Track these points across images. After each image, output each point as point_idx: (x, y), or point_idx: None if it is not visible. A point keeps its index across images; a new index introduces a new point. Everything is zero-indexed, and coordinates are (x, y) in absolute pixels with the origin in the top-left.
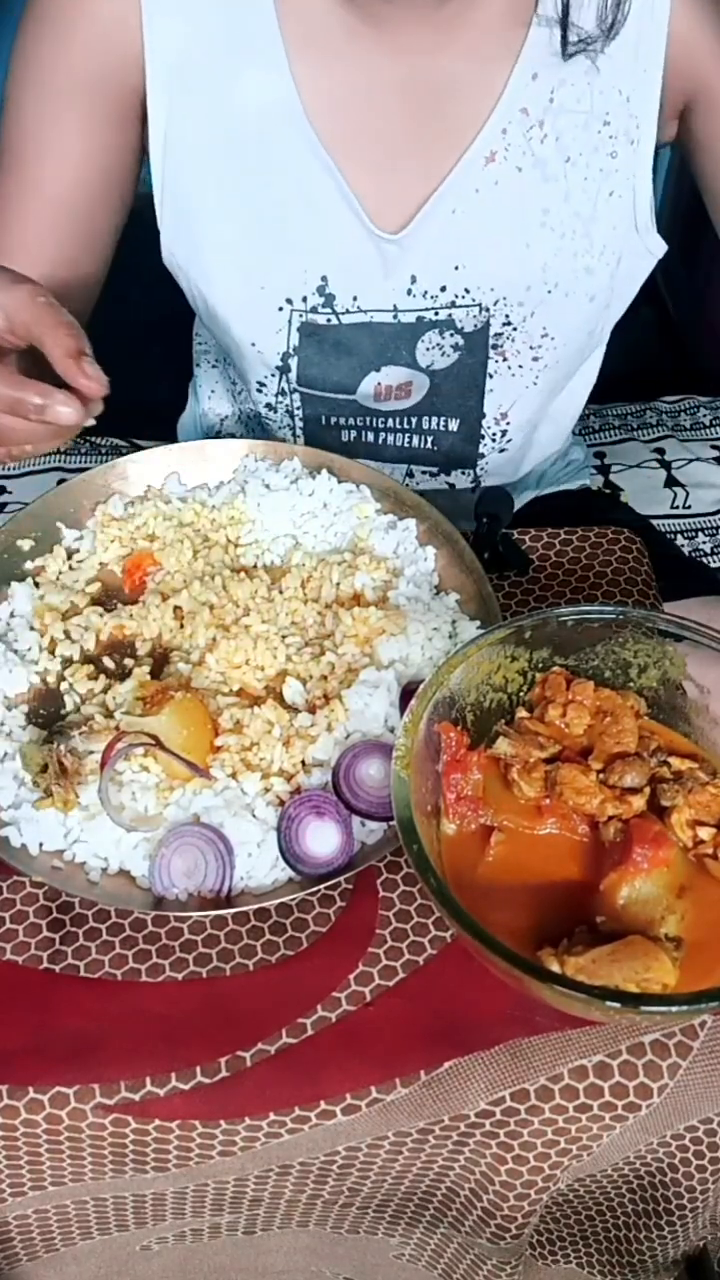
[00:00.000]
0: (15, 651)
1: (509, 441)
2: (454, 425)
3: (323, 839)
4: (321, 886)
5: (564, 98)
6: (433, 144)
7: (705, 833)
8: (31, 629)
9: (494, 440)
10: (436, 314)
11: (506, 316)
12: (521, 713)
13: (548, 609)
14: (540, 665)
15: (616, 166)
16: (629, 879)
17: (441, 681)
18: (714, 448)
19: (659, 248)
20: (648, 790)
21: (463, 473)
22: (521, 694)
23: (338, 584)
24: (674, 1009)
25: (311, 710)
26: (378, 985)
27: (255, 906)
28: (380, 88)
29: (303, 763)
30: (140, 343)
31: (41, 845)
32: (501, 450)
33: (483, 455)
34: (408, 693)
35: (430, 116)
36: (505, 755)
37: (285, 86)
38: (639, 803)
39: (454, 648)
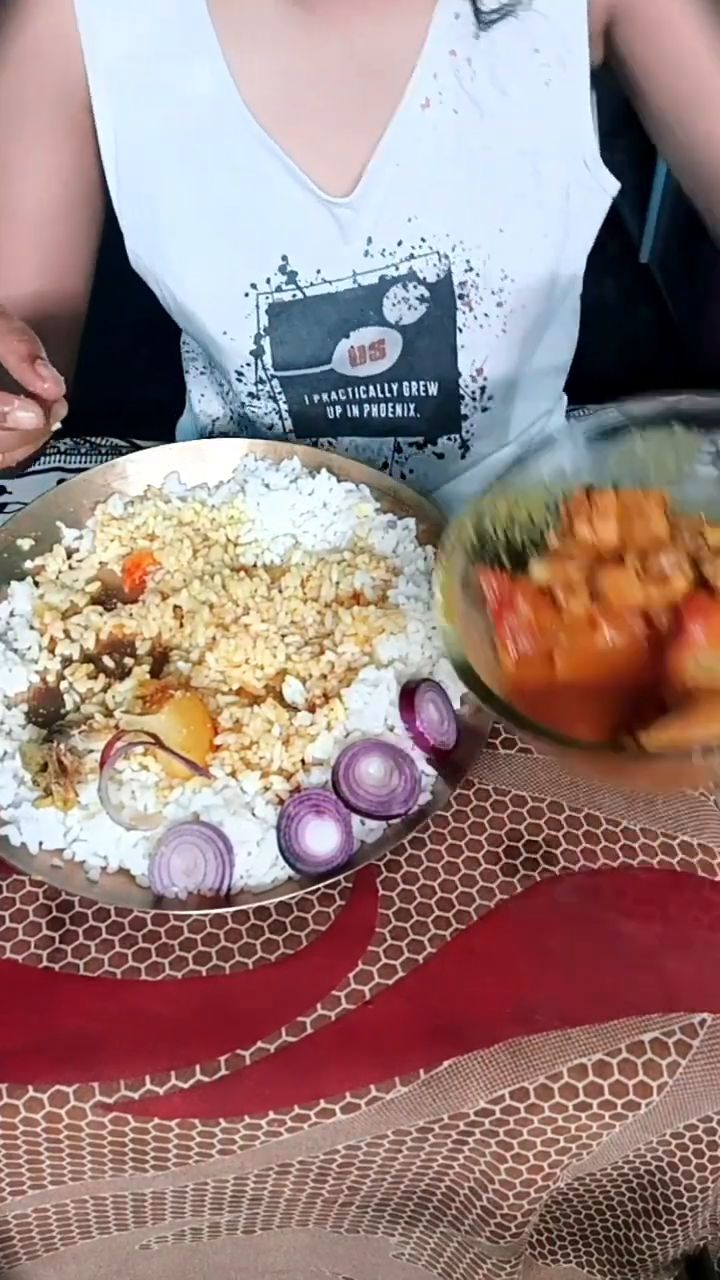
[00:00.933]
0: (15, 650)
1: (490, 399)
2: (433, 389)
3: (322, 838)
4: (321, 885)
5: (490, 33)
6: (370, 104)
7: None
8: (31, 628)
9: (474, 399)
10: (398, 269)
11: (467, 262)
12: (551, 537)
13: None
14: (560, 496)
15: (553, 94)
16: (689, 654)
17: (464, 526)
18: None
19: (611, 184)
20: (689, 570)
21: (449, 438)
22: (548, 525)
23: (337, 583)
24: None
25: (311, 709)
26: (377, 984)
27: (255, 905)
28: (313, 62)
29: (302, 761)
30: (139, 343)
31: (41, 844)
32: (484, 409)
33: (466, 417)
34: (408, 692)
35: (364, 79)
36: (546, 580)
37: (221, 76)
38: (681, 583)
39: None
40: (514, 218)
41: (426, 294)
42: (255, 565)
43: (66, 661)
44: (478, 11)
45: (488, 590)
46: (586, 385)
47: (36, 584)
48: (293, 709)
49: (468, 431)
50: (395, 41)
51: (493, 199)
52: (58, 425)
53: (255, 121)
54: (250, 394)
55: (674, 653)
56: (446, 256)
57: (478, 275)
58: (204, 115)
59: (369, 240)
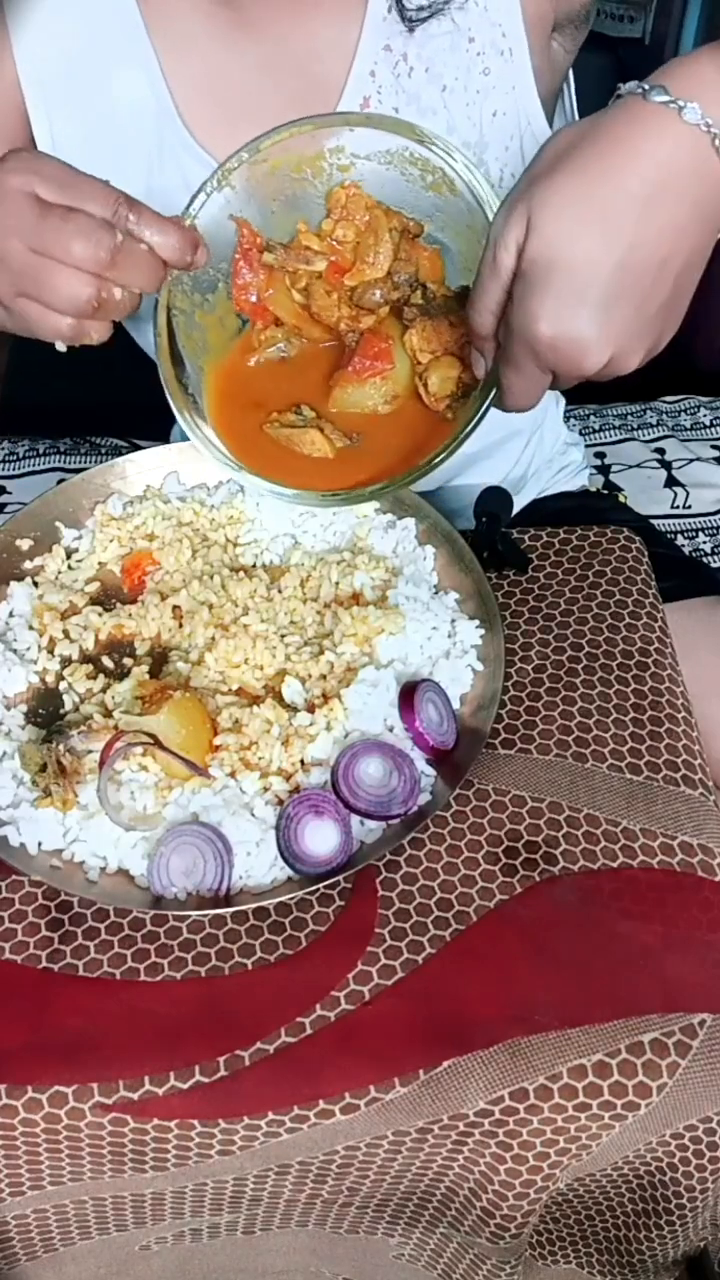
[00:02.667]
0: (14, 651)
1: None
2: None
3: (321, 838)
4: (320, 886)
5: (424, 25)
6: (307, 105)
7: (424, 357)
8: (30, 628)
9: None
10: None
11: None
12: (301, 225)
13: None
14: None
15: (493, 84)
16: (342, 385)
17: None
18: (714, 448)
19: None
20: (387, 311)
21: None
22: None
23: (337, 583)
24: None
25: (310, 709)
26: (377, 984)
27: (254, 906)
28: (247, 67)
29: (301, 762)
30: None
31: (40, 844)
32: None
33: None
34: (407, 692)
35: (300, 81)
36: (275, 264)
37: (156, 85)
38: (369, 320)
39: (453, 647)
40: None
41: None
42: (254, 565)
43: (65, 662)
44: (403, 11)
45: (239, 232)
46: (585, 384)
47: (36, 584)
48: (292, 709)
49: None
50: (329, 41)
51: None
52: (203, 262)
53: (186, 130)
54: None
55: (336, 375)
56: None
57: None
58: (138, 123)
59: None
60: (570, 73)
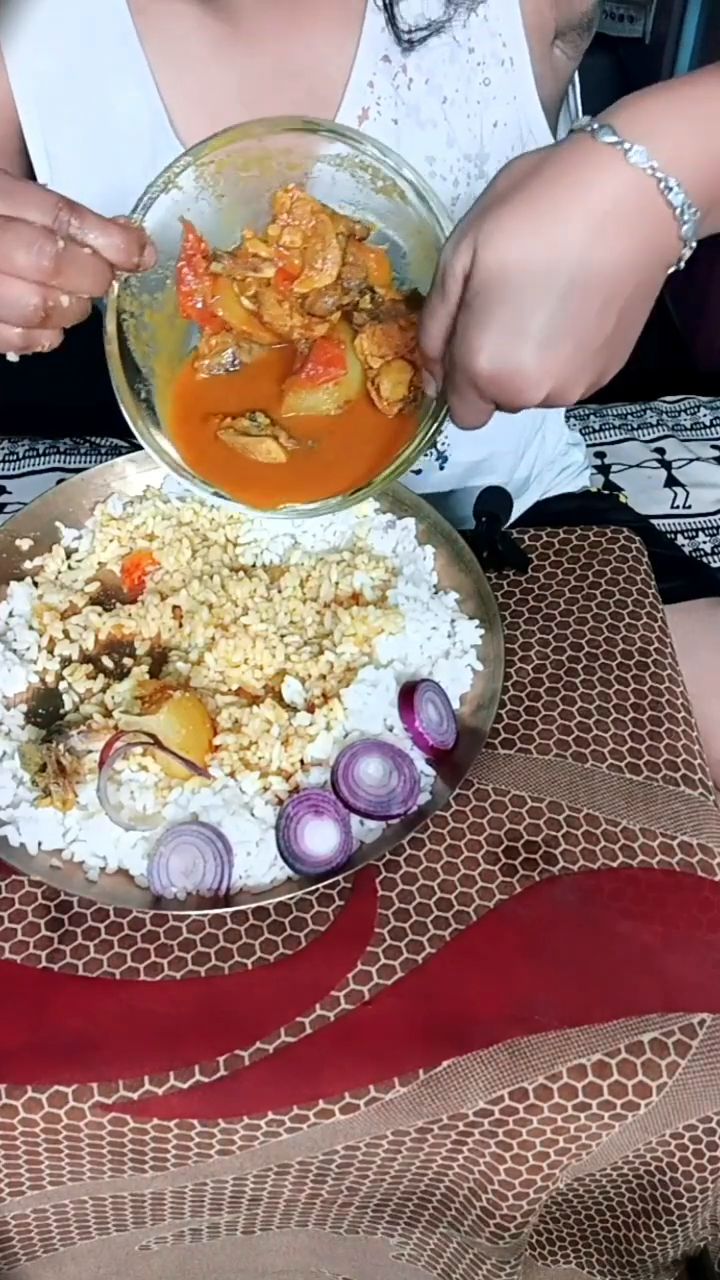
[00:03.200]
0: (14, 651)
1: None
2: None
3: (321, 838)
4: (320, 885)
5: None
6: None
7: (375, 362)
8: (30, 628)
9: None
10: None
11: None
12: (247, 232)
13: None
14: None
15: (493, 94)
16: (295, 390)
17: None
18: (714, 447)
19: None
20: (338, 317)
21: (424, 455)
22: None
23: (336, 583)
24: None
25: (310, 709)
26: (376, 984)
27: (254, 905)
28: (243, 80)
29: (301, 762)
30: None
31: (40, 844)
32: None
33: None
34: (407, 692)
35: (296, 94)
36: (223, 273)
37: (150, 98)
38: (322, 329)
39: (452, 647)
40: None
41: None
42: (254, 565)
43: (65, 662)
44: (398, 33)
45: (185, 237)
46: None
47: (35, 584)
48: (292, 709)
49: (444, 443)
50: (326, 52)
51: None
52: (151, 263)
53: (181, 144)
54: None
55: (289, 380)
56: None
57: None
58: (134, 142)
59: None
60: (576, 75)
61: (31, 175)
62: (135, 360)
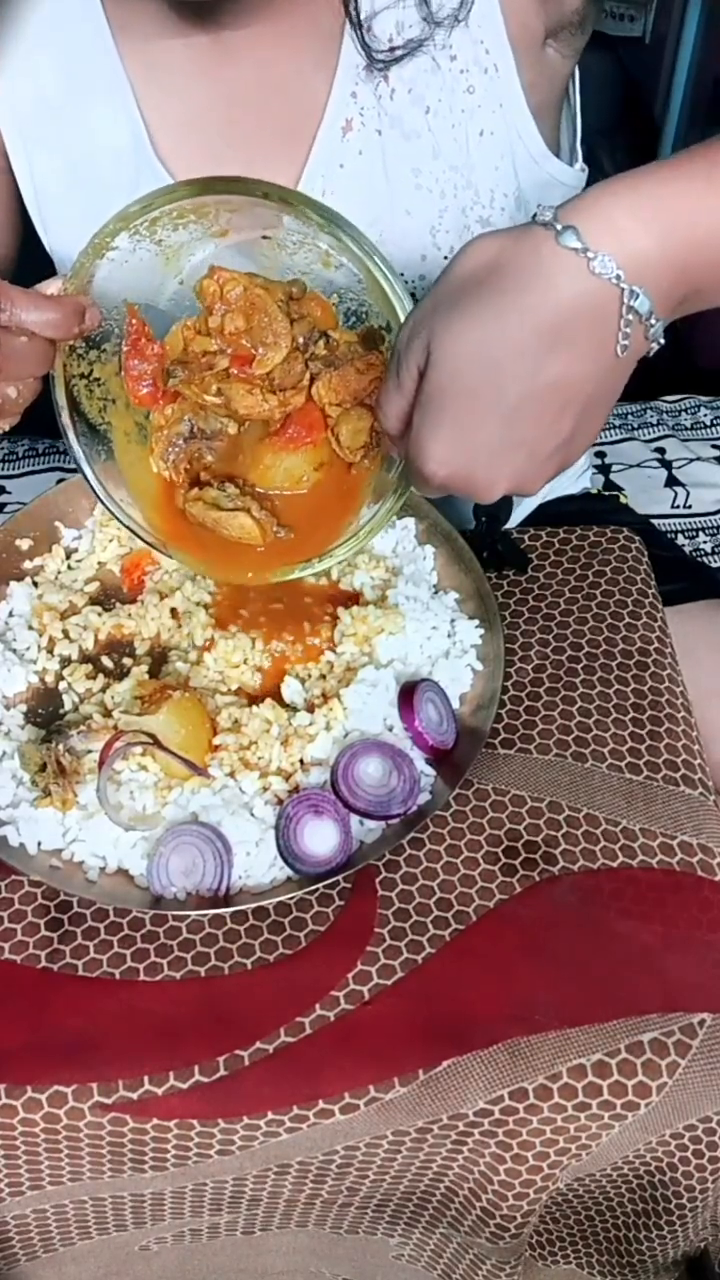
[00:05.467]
0: (14, 651)
1: None
2: None
3: (321, 838)
4: (320, 885)
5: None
6: (289, 132)
7: (334, 411)
8: (30, 628)
9: None
10: None
11: (411, 291)
12: (188, 332)
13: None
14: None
15: (478, 102)
16: (273, 453)
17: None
18: (714, 447)
19: (570, 174)
20: (308, 379)
21: None
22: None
23: (336, 582)
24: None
25: (310, 709)
26: (376, 984)
27: (253, 905)
28: (226, 95)
29: (301, 761)
30: None
31: (40, 844)
32: None
33: None
34: (406, 691)
35: (280, 107)
36: (180, 385)
37: (132, 119)
38: (299, 399)
39: (452, 646)
40: (460, 243)
41: None
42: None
43: (65, 662)
44: (370, 57)
45: (128, 321)
46: None
47: (35, 584)
48: (291, 709)
49: None
50: (309, 66)
51: (429, 225)
52: (94, 325)
53: (163, 166)
54: None
55: (266, 442)
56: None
57: None
58: (116, 162)
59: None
60: (576, 71)
61: (18, 200)
62: (90, 421)
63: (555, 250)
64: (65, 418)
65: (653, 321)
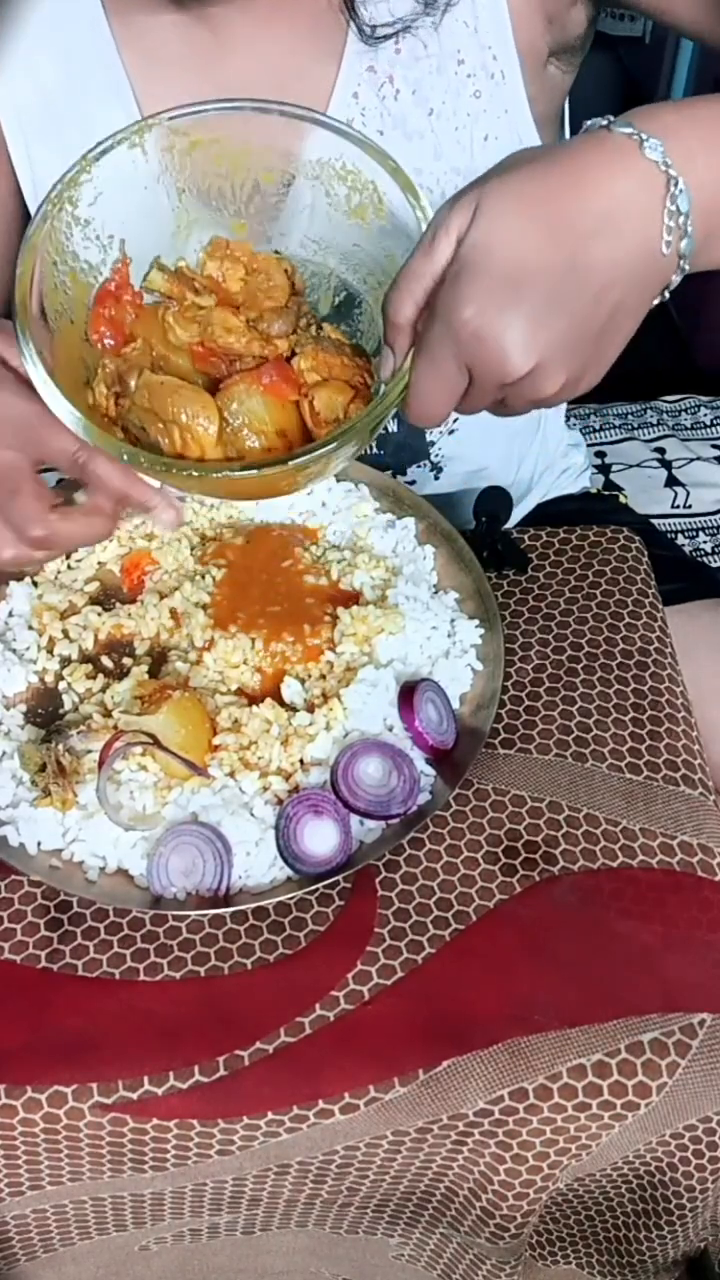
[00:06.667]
0: (13, 651)
1: (457, 422)
2: (392, 425)
3: (321, 838)
4: (320, 885)
5: (409, 46)
6: None
7: (312, 378)
8: (30, 628)
9: (440, 427)
10: None
11: None
12: (182, 262)
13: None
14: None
15: (484, 107)
16: (244, 385)
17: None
18: (714, 447)
19: None
20: (293, 341)
21: (419, 466)
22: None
23: (336, 582)
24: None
25: (310, 709)
26: (376, 984)
27: (253, 905)
28: (225, 88)
29: (301, 761)
30: None
31: (39, 844)
32: (452, 433)
33: (433, 443)
34: (406, 691)
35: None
36: (160, 290)
37: (131, 115)
38: (283, 345)
39: (452, 646)
40: None
41: None
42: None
43: (65, 662)
44: (359, 28)
45: (115, 269)
46: None
47: (35, 584)
48: (291, 709)
49: (437, 455)
50: (308, 63)
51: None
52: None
53: None
54: None
55: (236, 377)
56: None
57: None
58: None
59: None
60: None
61: (18, 199)
62: (44, 304)
63: (610, 136)
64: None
65: (689, 229)
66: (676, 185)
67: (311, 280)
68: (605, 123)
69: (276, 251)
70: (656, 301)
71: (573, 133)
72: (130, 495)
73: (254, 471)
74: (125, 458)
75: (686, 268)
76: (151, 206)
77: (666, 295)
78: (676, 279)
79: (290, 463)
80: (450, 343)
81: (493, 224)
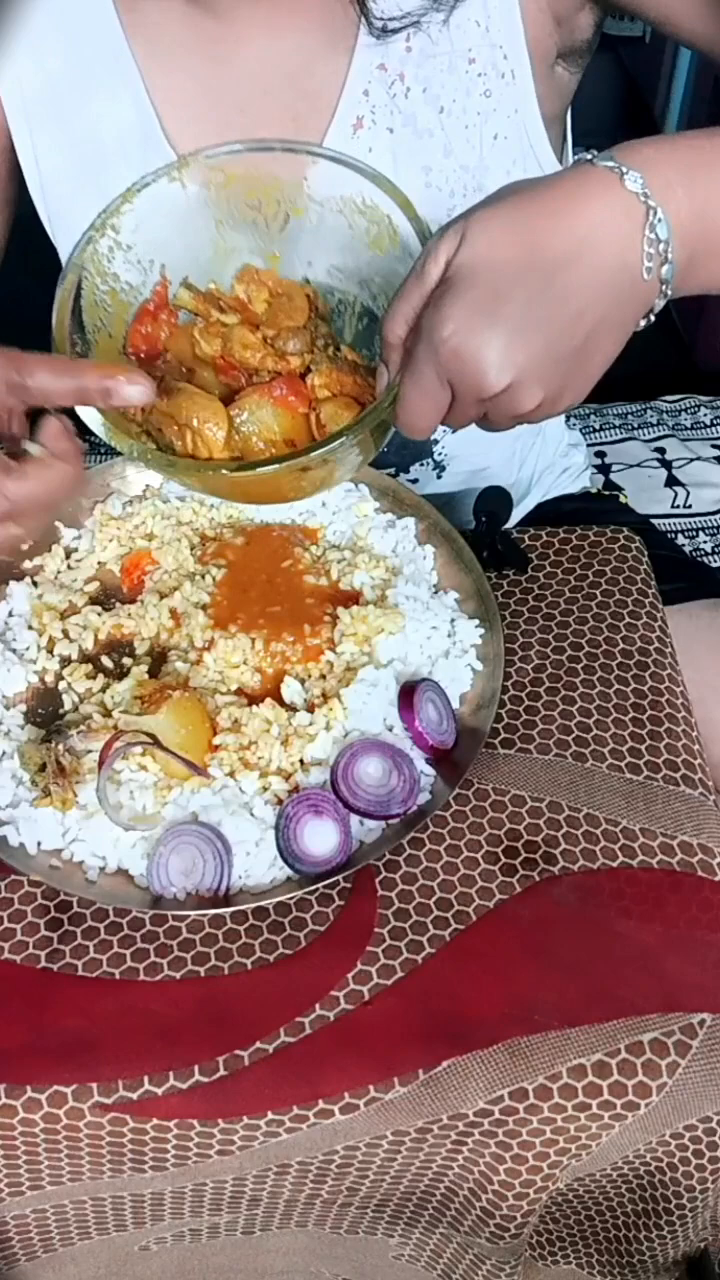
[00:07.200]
0: (14, 651)
1: (445, 433)
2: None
3: (321, 838)
4: (320, 885)
5: (420, 44)
6: (298, 124)
7: (322, 393)
8: (30, 628)
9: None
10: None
11: None
12: (212, 284)
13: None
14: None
15: (494, 106)
16: (256, 396)
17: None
18: (714, 447)
19: None
20: (309, 360)
21: (421, 464)
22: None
23: (336, 582)
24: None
25: (310, 709)
26: (376, 984)
27: (253, 905)
28: (234, 81)
29: (301, 761)
30: None
31: (39, 844)
32: (454, 431)
33: (436, 442)
34: (406, 691)
35: (290, 97)
36: (187, 306)
37: (140, 102)
38: (296, 362)
39: (452, 646)
40: None
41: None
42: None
43: (65, 661)
44: (369, 21)
45: (156, 289)
46: None
47: (35, 584)
48: (291, 709)
49: (440, 454)
50: (320, 55)
51: (436, 222)
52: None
53: (172, 149)
54: None
55: (250, 389)
56: None
57: None
58: (123, 146)
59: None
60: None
61: (15, 185)
62: (82, 318)
63: (591, 169)
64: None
65: (669, 255)
66: (656, 214)
67: (337, 307)
68: (589, 157)
69: (305, 280)
70: (643, 325)
71: (574, 131)
72: (85, 389)
73: (251, 471)
74: (134, 453)
75: (669, 292)
76: (191, 235)
77: (652, 319)
78: (660, 303)
79: (284, 463)
80: (432, 359)
81: (476, 248)
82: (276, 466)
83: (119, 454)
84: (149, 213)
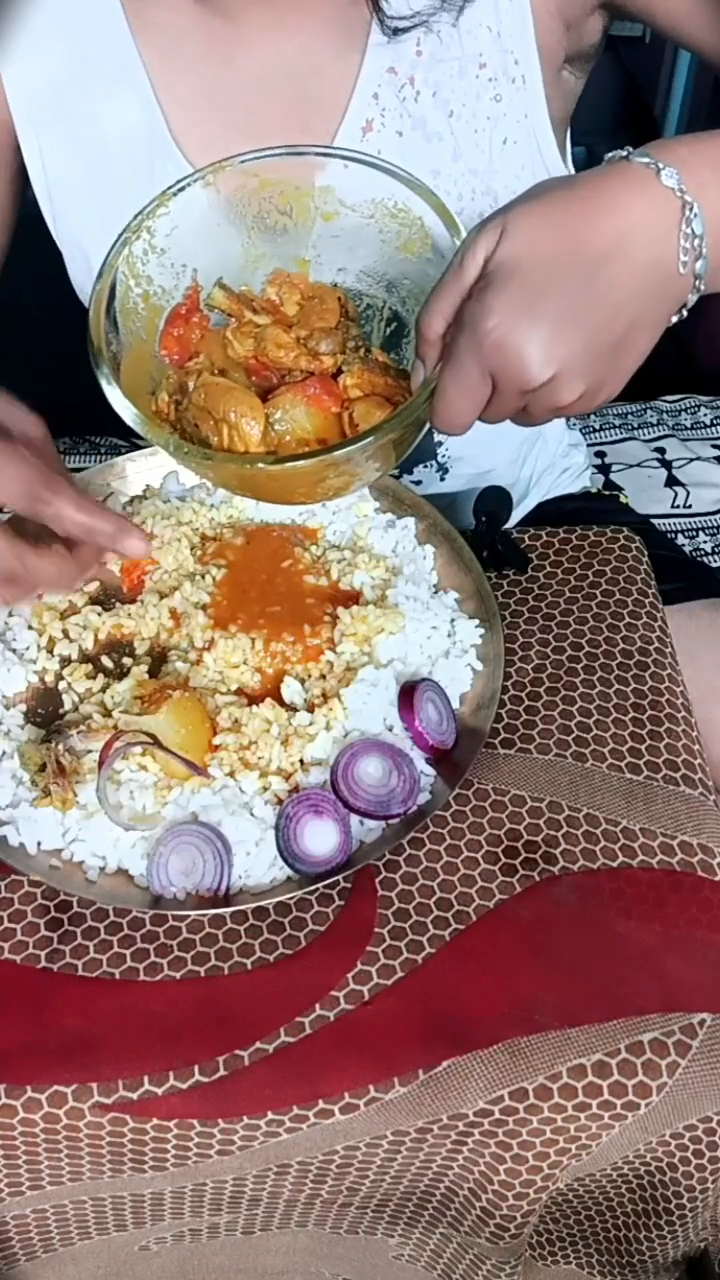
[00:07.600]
0: (13, 650)
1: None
2: None
3: (321, 838)
4: (320, 885)
5: (431, 48)
6: (306, 127)
7: (355, 393)
8: (30, 628)
9: None
10: None
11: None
12: (244, 288)
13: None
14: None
15: (504, 111)
16: (290, 394)
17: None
18: (715, 447)
19: None
20: (341, 361)
21: (425, 465)
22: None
23: (336, 582)
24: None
25: (310, 709)
26: (376, 984)
27: (253, 905)
28: (242, 83)
29: (301, 761)
30: None
31: (39, 844)
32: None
33: (440, 443)
34: (406, 691)
35: (298, 99)
36: (221, 307)
37: (147, 104)
38: (329, 363)
39: (452, 646)
40: None
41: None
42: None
43: (65, 661)
44: (381, 20)
45: (188, 292)
46: None
47: None
48: (291, 709)
49: (444, 456)
50: (329, 57)
51: None
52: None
53: (180, 152)
54: None
55: (284, 388)
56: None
57: None
58: (129, 147)
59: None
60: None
61: (18, 186)
62: (116, 318)
63: (628, 166)
64: (103, 292)
65: (704, 250)
66: (692, 210)
67: (366, 311)
68: (624, 154)
69: (335, 284)
70: (675, 320)
71: (574, 132)
72: (94, 526)
73: (292, 465)
74: (171, 447)
75: (703, 287)
76: (224, 241)
77: (684, 314)
78: (693, 298)
79: (323, 455)
80: (475, 351)
81: (517, 243)
82: (317, 460)
83: (119, 455)
84: (182, 217)
